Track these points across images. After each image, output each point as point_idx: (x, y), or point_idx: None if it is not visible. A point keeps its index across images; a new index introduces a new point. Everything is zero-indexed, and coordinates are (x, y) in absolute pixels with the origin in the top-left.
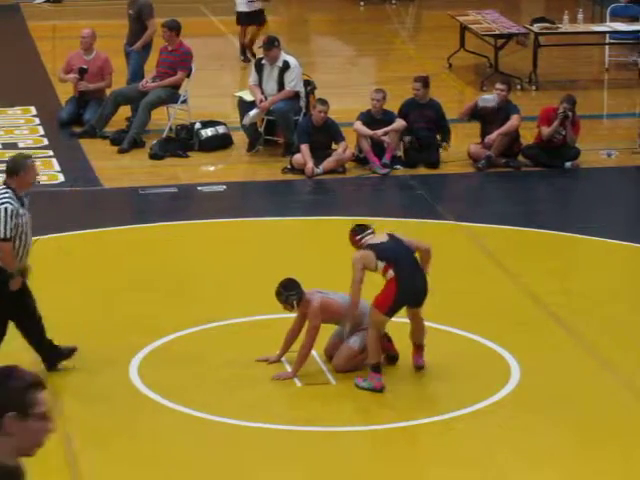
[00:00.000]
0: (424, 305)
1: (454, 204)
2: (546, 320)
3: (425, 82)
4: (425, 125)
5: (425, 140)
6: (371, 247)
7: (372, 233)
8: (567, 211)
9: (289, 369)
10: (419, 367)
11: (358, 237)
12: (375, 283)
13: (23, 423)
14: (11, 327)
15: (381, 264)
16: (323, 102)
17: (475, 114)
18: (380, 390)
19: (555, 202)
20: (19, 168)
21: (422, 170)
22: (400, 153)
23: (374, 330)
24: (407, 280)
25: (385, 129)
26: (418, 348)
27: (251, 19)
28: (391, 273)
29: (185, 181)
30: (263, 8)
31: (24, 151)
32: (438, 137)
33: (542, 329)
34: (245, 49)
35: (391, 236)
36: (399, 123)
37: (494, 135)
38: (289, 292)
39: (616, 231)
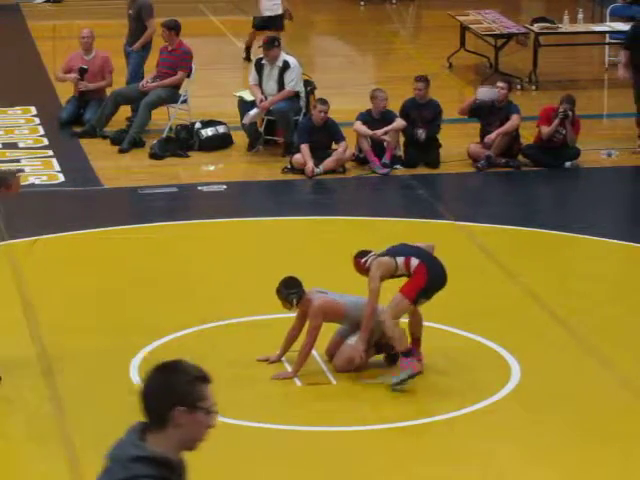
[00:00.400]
0: (423, 306)
1: (454, 204)
2: (546, 320)
3: (427, 82)
4: (425, 125)
5: (425, 140)
6: (381, 254)
7: (374, 255)
8: (567, 211)
9: (289, 369)
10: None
11: (363, 260)
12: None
13: (191, 416)
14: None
15: (400, 258)
16: (323, 102)
17: (474, 110)
18: (419, 373)
19: (555, 202)
20: (1, 183)
21: (422, 170)
22: (400, 153)
23: (395, 319)
24: (433, 264)
25: (385, 129)
26: (417, 342)
27: (270, 23)
28: (415, 261)
29: (185, 181)
30: (283, 13)
31: (23, 150)
32: (420, 131)
33: (542, 329)
34: (249, 51)
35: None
36: (399, 123)
37: (494, 135)
38: (290, 290)
39: (616, 231)
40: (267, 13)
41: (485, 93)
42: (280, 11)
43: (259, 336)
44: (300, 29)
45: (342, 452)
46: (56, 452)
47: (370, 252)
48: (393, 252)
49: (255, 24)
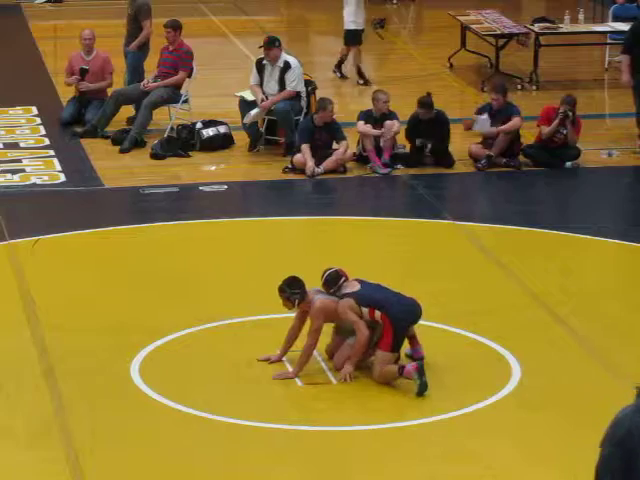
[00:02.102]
0: (423, 305)
1: (454, 204)
2: (546, 319)
3: (430, 106)
4: (433, 138)
5: (435, 146)
6: (349, 295)
7: (345, 281)
8: (567, 211)
9: (290, 369)
10: (421, 358)
11: (332, 290)
12: None
13: None
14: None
15: (365, 310)
16: (330, 101)
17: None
18: (421, 361)
19: (555, 202)
20: None
21: (422, 170)
22: (403, 150)
23: (384, 373)
24: (396, 310)
25: (386, 135)
26: (412, 339)
27: (356, 38)
28: (377, 312)
29: (186, 181)
30: (363, 29)
31: (24, 150)
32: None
33: (542, 328)
34: (341, 67)
35: (361, 282)
36: (397, 127)
37: (496, 130)
38: (293, 290)
39: (616, 231)
40: (351, 26)
41: (483, 124)
42: (362, 26)
43: (259, 336)
44: (301, 29)
45: (342, 452)
46: (56, 452)
47: (339, 279)
48: (359, 299)
49: (346, 41)
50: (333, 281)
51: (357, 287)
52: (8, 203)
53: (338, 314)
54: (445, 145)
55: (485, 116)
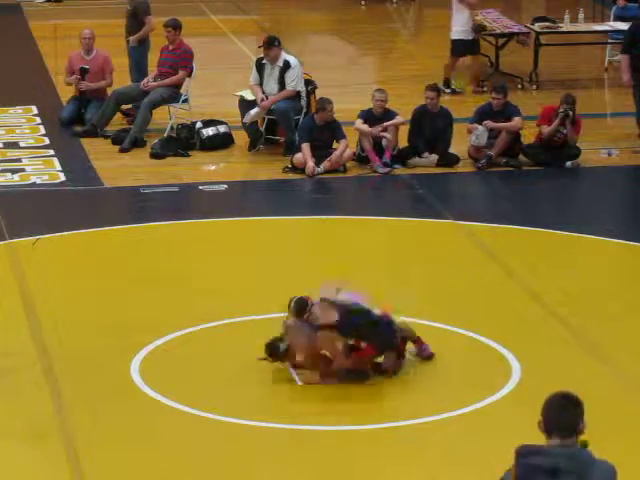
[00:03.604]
0: (423, 305)
1: (454, 203)
2: (546, 319)
3: (438, 91)
4: (436, 134)
5: (437, 142)
6: (330, 327)
7: (313, 306)
8: (567, 210)
9: (295, 377)
10: (430, 356)
11: (305, 316)
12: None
13: None
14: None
15: (350, 340)
16: (330, 101)
17: (477, 117)
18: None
19: (555, 201)
20: None
21: (422, 170)
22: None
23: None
24: (381, 342)
25: (385, 124)
26: (417, 341)
27: (467, 49)
28: (363, 343)
29: (186, 180)
30: (476, 38)
31: (24, 150)
32: (427, 154)
33: (542, 328)
34: (450, 80)
35: (336, 306)
36: (398, 119)
37: (497, 125)
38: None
39: (616, 231)
40: (456, 36)
41: (479, 137)
42: (472, 35)
43: (259, 336)
44: (301, 28)
45: (342, 451)
46: (56, 452)
47: (306, 305)
48: (342, 330)
49: (453, 51)
50: (302, 309)
51: (334, 316)
52: (8, 203)
53: (319, 347)
54: (447, 142)
55: (483, 128)
